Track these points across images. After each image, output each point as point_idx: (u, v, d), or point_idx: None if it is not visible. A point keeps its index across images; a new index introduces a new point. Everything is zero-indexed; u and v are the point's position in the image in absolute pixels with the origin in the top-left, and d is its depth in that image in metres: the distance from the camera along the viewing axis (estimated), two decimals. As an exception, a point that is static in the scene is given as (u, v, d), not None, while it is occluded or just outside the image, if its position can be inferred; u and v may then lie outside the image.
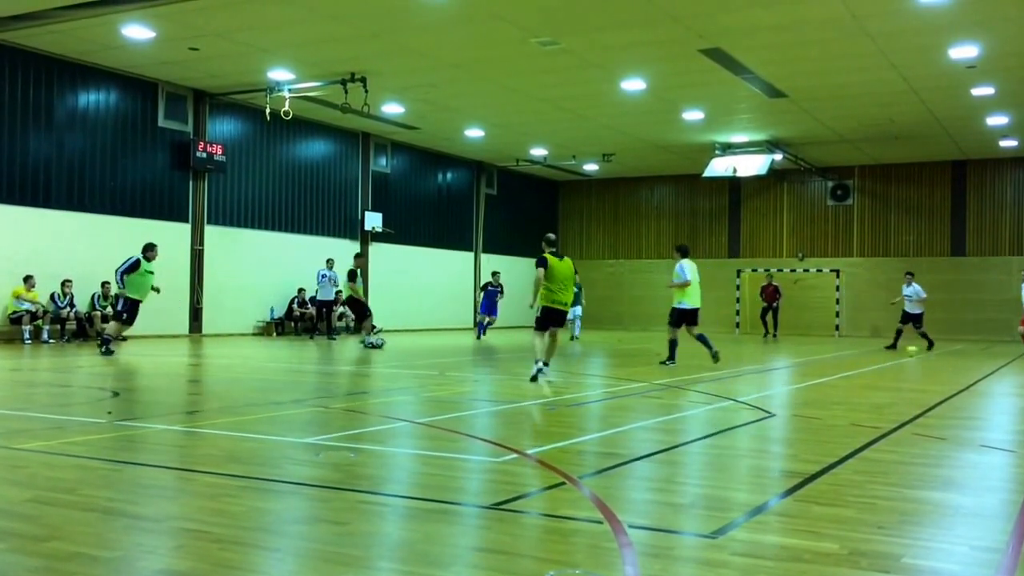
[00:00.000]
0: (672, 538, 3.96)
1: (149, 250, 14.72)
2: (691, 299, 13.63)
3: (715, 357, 13.37)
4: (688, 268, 13.66)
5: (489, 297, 22.28)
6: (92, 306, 18.41)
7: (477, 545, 3.85)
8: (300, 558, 3.64)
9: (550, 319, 11.08)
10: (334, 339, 20.97)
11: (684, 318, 13.65)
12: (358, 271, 18.57)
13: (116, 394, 9.16)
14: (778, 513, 4.42)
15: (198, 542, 3.73)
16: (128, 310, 14.71)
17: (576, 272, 11.87)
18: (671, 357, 13.62)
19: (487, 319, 22.13)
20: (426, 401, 9.14)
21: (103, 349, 14.28)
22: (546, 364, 10.90)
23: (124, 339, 16.80)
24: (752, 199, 30.52)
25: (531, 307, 11.24)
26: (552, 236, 11.62)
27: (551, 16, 14.73)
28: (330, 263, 22.11)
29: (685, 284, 13.51)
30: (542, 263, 10.97)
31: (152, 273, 14.75)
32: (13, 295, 16.99)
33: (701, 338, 13.61)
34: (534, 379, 10.67)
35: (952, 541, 3.96)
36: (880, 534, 3.97)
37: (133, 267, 14.48)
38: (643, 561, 3.53)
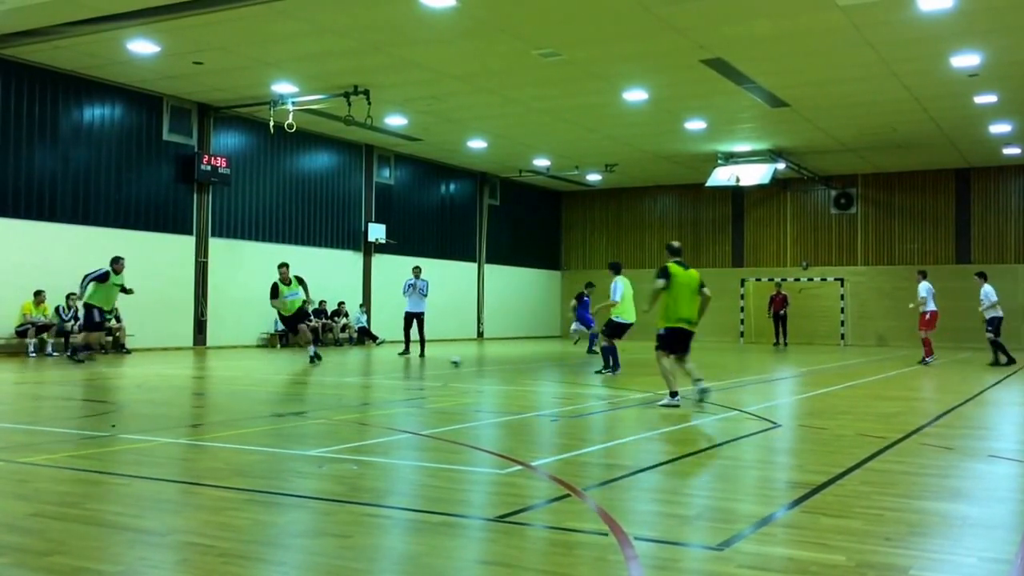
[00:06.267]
0: (678, 550, 3.93)
1: (115, 262, 15.75)
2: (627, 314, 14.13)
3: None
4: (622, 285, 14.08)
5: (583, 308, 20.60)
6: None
7: (482, 558, 3.83)
8: (304, 572, 3.63)
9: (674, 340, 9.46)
10: (423, 356, 18.58)
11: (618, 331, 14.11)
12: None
13: (120, 407, 9.16)
14: (785, 525, 4.39)
15: (202, 556, 3.71)
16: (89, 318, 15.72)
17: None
18: (614, 365, 14.11)
19: (586, 331, 20.59)
20: (429, 413, 9.12)
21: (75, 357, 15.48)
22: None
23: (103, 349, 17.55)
24: (755, 208, 30.51)
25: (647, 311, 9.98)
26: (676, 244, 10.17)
27: (553, 28, 14.77)
28: (417, 271, 19.09)
29: (613, 304, 13.99)
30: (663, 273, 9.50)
31: (118, 285, 15.75)
32: (22, 311, 17.02)
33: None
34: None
35: (960, 552, 3.94)
36: (888, 546, 3.95)
37: (102, 278, 15.51)
38: (649, 574, 3.51)
